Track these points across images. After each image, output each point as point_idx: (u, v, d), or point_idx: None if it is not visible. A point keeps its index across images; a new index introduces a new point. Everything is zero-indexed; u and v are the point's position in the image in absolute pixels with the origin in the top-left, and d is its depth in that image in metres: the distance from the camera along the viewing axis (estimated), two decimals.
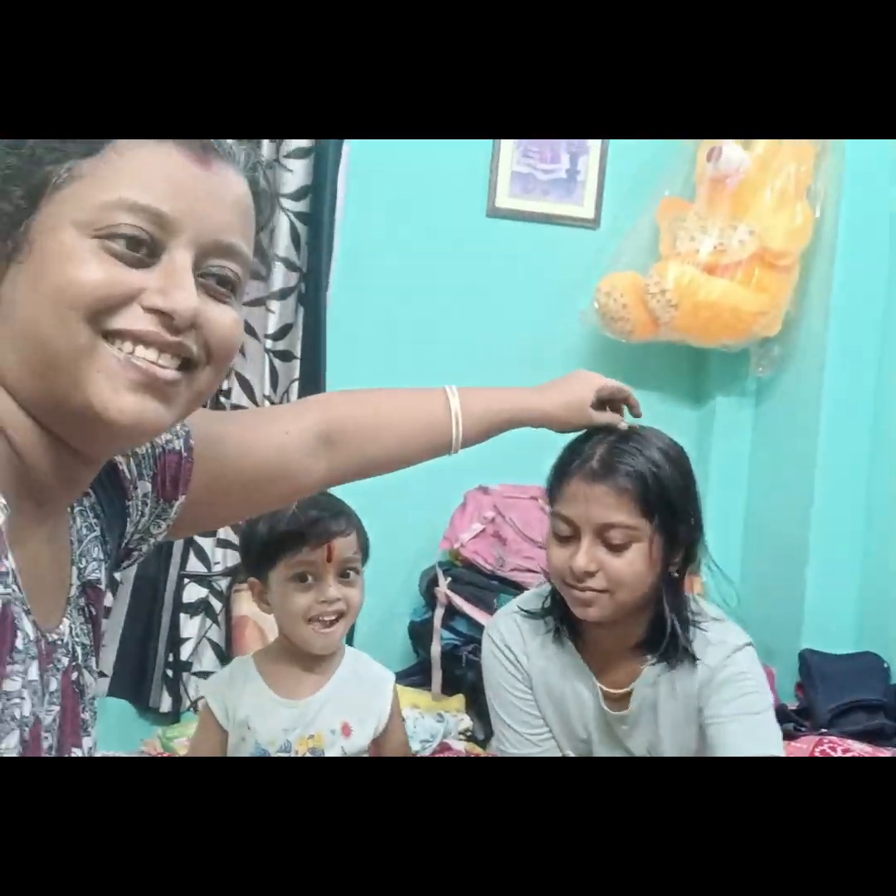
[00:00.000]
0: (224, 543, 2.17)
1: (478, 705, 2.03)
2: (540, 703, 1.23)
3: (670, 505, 1.14)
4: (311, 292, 2.17)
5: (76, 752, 0.66)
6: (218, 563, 2.18)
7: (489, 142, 2.26)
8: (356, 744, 1.20)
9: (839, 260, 2.02)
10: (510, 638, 1.25)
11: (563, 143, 2.29)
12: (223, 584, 2.17)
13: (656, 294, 1.99)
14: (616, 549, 1.12)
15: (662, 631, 1.16)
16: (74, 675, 0.66)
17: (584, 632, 1.22)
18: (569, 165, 2.30)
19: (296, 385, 2.19)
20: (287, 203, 2.14)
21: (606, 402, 1.13)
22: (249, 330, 2.18)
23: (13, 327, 0.60)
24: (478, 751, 1.86)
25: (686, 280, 1.98)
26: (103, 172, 0.59)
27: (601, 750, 1.23)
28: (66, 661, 0.65)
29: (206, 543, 2.16)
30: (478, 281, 2.28)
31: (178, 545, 2.15)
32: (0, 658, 0.54)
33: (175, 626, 2.15)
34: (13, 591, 0.56)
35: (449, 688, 1.98)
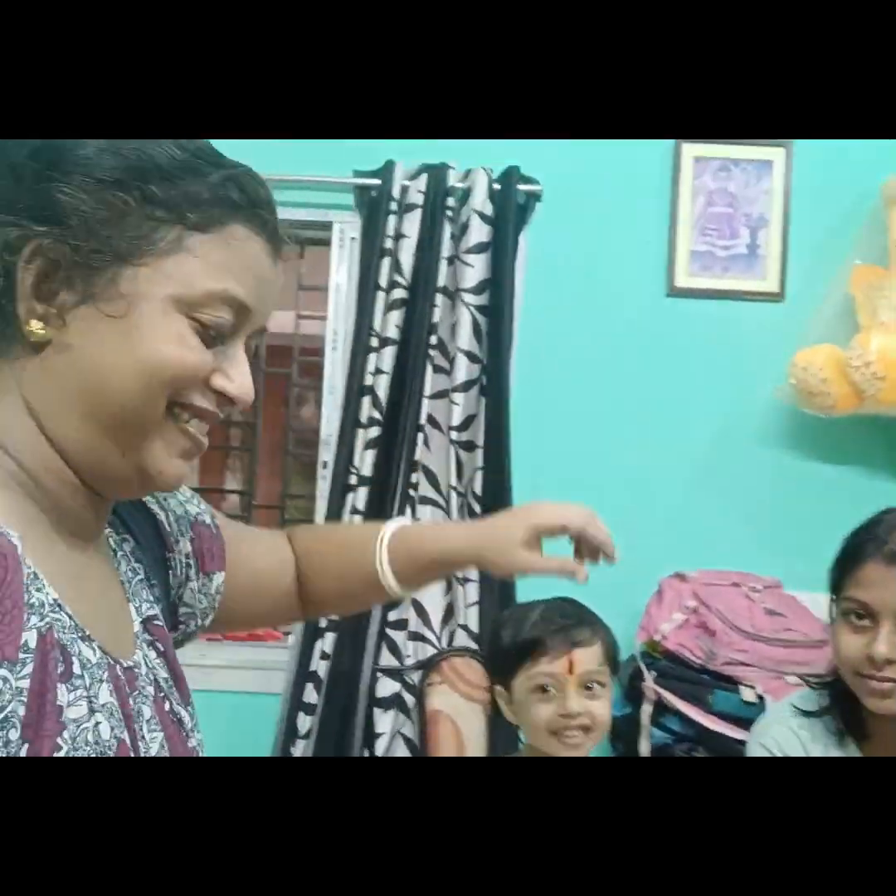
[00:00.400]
0: (415, 636, 2.17)
1: None
2: None
3: None
4: (492, 383, 2.19)
5: None
6: (409, 655, 2.17)
7: (665, 223, 2.25)
8: None
9: None
10: (788, 747, 1.17)
11: (740, 217, 2.26)
12: (416, 677, 2.16)
13: (860, 367, 1.90)
14: None
15: None
16: (167, 705, 0.68)
17: (872, 732, 1.15)
18: (749, 240, 2.26)
19: (479, 474, 2.20)
20: (468, 297, 2.18)
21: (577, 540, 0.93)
22: (433, 422, 2.21)
23: (83, 377, 0.60)
24: None
25: (893, 351, 1.88)
26: (211, 257, 0.62)
27: None
28: (151, 690, 0.66)
29: (398, 637, 2.16)
30: (662, 362, 2.24)
31: (372, 638, 2.16)
32: (49, 684, 0.54)
33: (369, 720, 2.14)
34: (59, 619, 0.58)
35: None
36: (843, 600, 1.15)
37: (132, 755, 0.61)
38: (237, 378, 0.65)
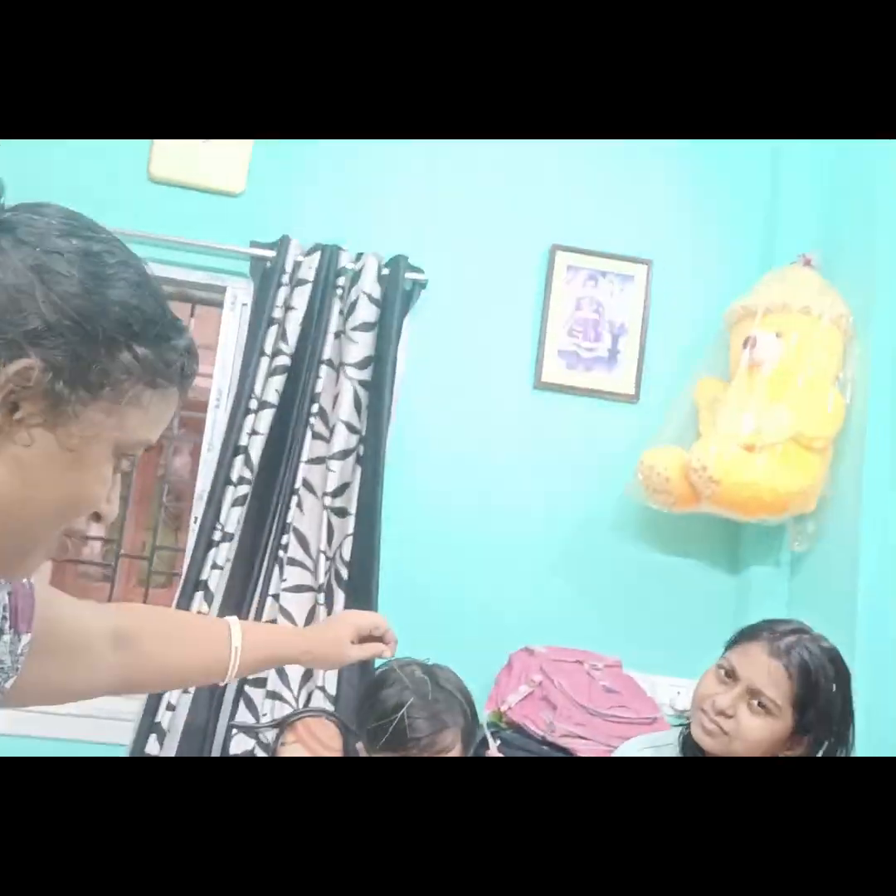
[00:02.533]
0: (273, 695, 2.21)
1: None
2: None
3: (816, 704, 1.33)
4: (369, 454, 2.30)
5: None
6: (265, 714, 2.20)
7: (536, 322, 2.44)
8: None
9: (869, 442, 2.15)
10: None
11: (605, 325, 2.47)
12: (270, 736, 2.19)
13: (698, 469, 2.11)
14: (755, 711, 1.33)
15: None
16: None
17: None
18: (610, 345, 2.47)
19: (349, 540, 2.29)
20: (351, 371, 2.30)
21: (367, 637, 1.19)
22: (308, 486, 2.30)
23: (9, 490, 0.64)
24: None
25: (727, 458, 2.10)
26: (153, 412, 0.69)
27: None
28: None
29: (256, 694, 2.20)
30: (528, 450, 2.41)
31: (229, 694, 2.19)
32: None
33: None
34: None
35: None
36: (724, 657, 1.40)
37: None
38: (114, 502, 0.71)
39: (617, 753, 1.48)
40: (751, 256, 2.51)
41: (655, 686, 2.28)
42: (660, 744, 1.46)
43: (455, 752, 1.20)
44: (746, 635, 1.39)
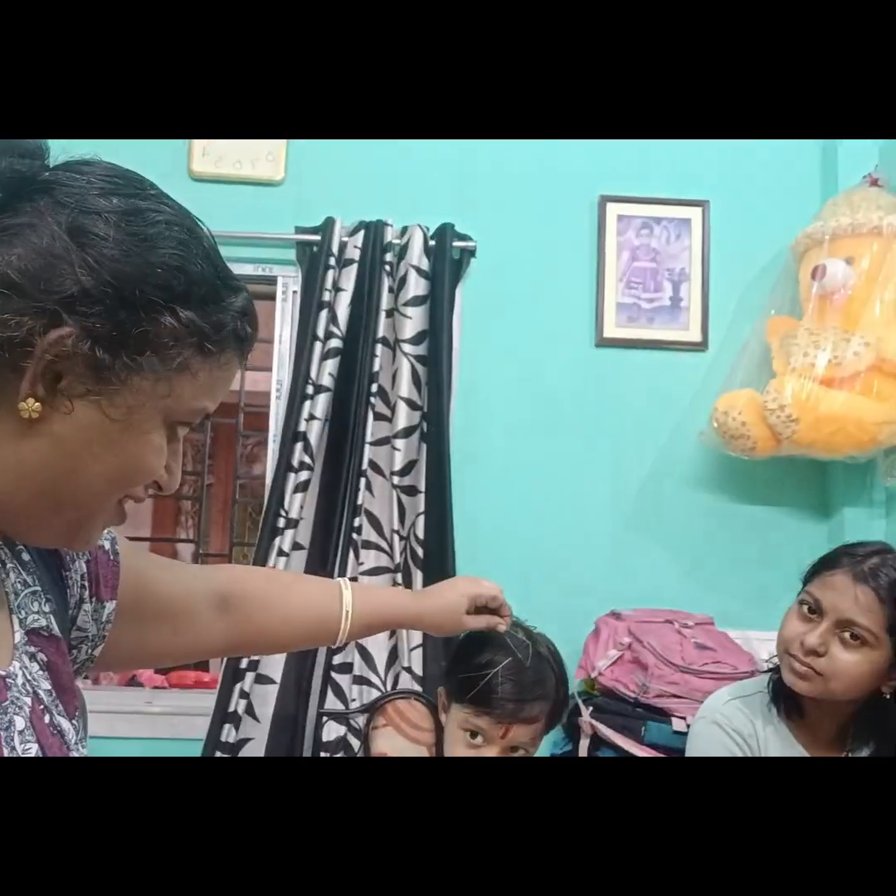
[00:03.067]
0: (360, 680, 2.20)
1: None
2: None
3: None
4: (432, 429, 2.27)
5: None
6: (354, 699, 2.20)
7: (592, 277, 2.37)
8: None
9: None
10: (740, 724, 1.26)
11: (663, 272, 2.39)
12: (360, 721, 2.18)
13: (775, 410, 2.02)
14: (848, 645, 1.22)
15: (869, 730, 1.27)
16: (47, 718, 0.67)
17: (804, 711, 1.30)
18: (672, 293, 2.38)
19: (422, 519, 2.26)
20: (407, 347, 2.27)
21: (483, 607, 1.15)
22: (376, 467, 2.28)
23: (61, 463, 0.63)
24: None
25: (805, 394, 2.00)
26: (203, 379, 0.66)
27: None
28: (28, 701, 0.66)
29: (343, 680, 2.19)
30: (593, 409, 2.34)
31: (316, 682, 2.19)
32: None
33: None
34: None
35: None
36: (804, 592, 1.29)
37: None
38: (175, 473, 0.69)
39: (703, 707, 1.40)
40: (812, 185, 2.38)
41: (750, 641, 2.18)
42: (748, 693, 1.36)
43: (539, 727, 1.16)
44: (825, 565, 1.28)
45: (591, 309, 2.37)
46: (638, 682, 1.92)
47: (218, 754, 2.13)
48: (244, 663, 2.15)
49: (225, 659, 2.15)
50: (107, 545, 0.82)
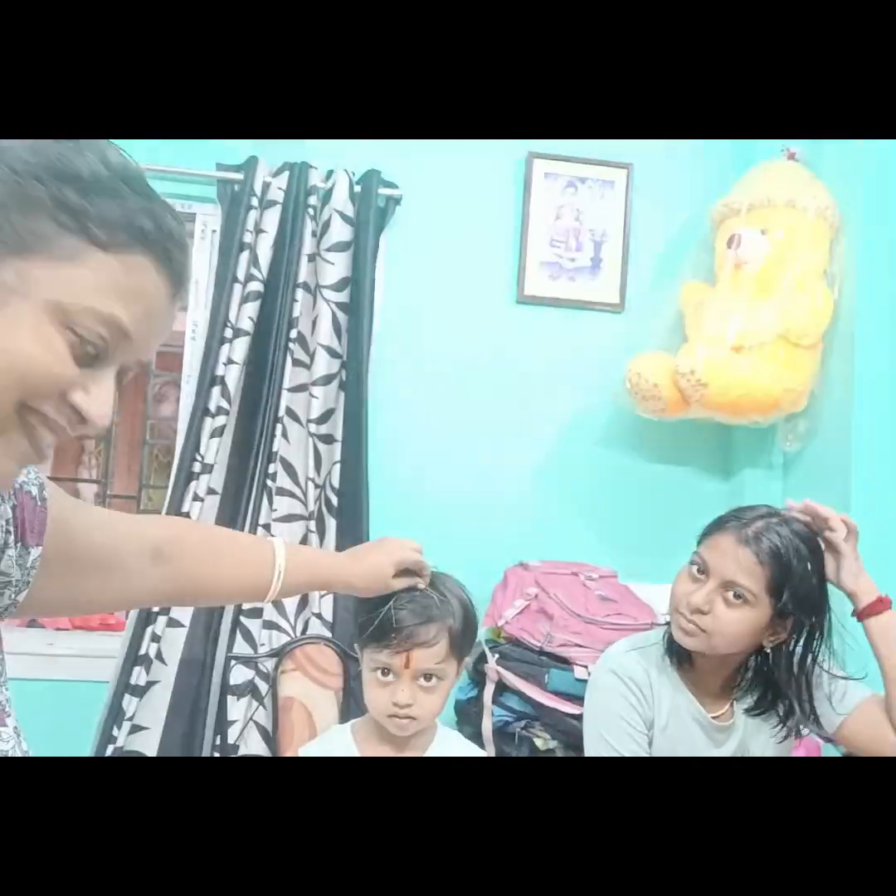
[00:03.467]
0: (270, 624, 2.21)
1: None
2: (655, 738, 1.31)
3: (794, 590, 1.29)
4: (352, 378, 2.26)
5: (2, 732, 0.69)
6: (263, 644, 2.20)
7: (516, 233, 2.38)
8: None
9: (858, 337, 2.12)
10: (636, 674, 1.32)
11: (586, 233, 2.41)
12: (269, 665, 2.20)
13: (686, 374, 2.08)
14: (731, 604, 1.29)
15: (752, 680, 1.37)
16: None
17: (694, 662, 1.38)
18: (593, 253, 2.42)
19: (337, 467, 2.26)
20: (328, 294, 2.24)
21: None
22: (292, 415, 2.26)
23: None
24: None
25: (715, 360, 2.07)
26: (102, 277, 0.60)
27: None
28: None
29: (252, 625, 2.19)
30: (511, 365, 2.37)
31: (225, 627, 2.18)
32: None
33: (222, 708, 2.16)
34: None
35: None
36: (695, 554, 1.36)
37: None
38: (97, 399, 0.63)
39: (603, 657, 1.46)
40: (733, 155, 2.44)
41: (652, 595, 2.28)
42: (645, 644, 1.43)
43: (440, 650, 1.18)
44: (715, 527, 1.34)
45: (513, 265, 2.38)
46: (543, 631, 1.98)
47: (127, 697, 2.11)
48: (156, 607, 2.13)
49: None
50: (34, 491, 0.80)
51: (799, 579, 1.28)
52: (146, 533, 0.94)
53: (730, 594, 1.28)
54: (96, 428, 0.63)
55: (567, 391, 2.38)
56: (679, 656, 1.37)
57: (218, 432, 2.19)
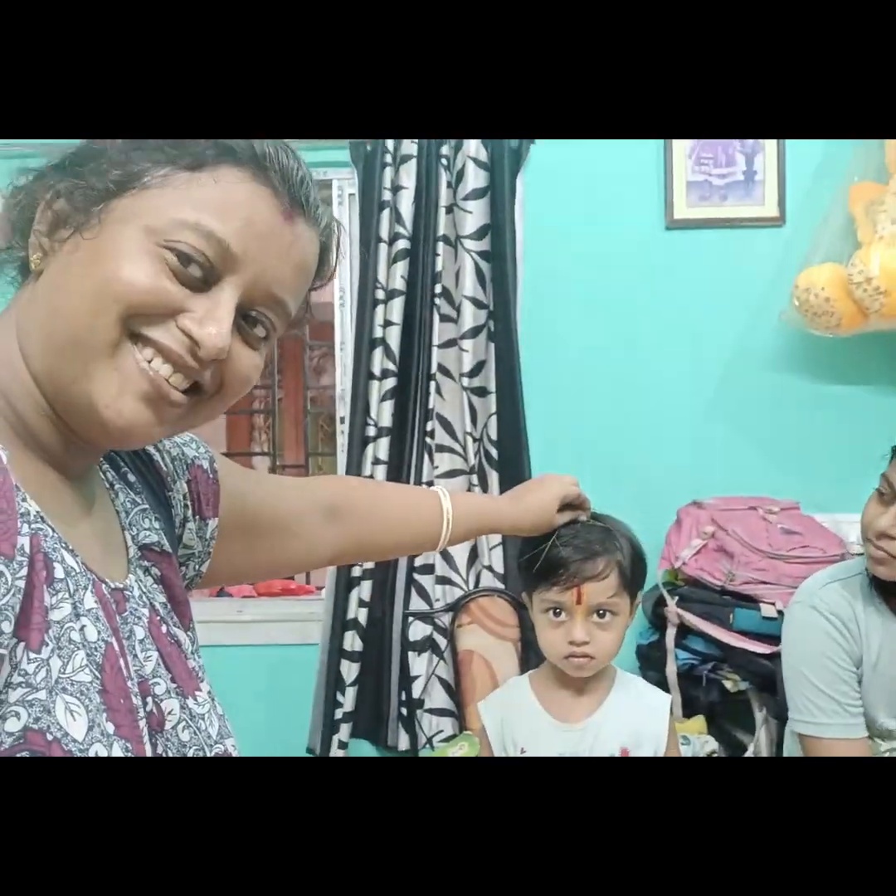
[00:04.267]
0: (443, 580, 2.23)
1: (717, 726, 1.98)
2: (865, 675, 1.22)
3: None
4: (500, 327, 2.22)
5: (198, 696, 0.69)
6: (438, 599, 2.23)
7: (659, 156, 2.25)
8: None
9: None
10: (840, 608, 1.24)
11: (735, 144, 2.25)
12: (446, 619, 2.22)
13: (862, 283, 1.91)
14: None
15: None
16: (164, 628, 0.69)
17: None
18: (745, 167, 2.25)
19: (494, 419, 2.24)
20: (469, 244, 2.20)
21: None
22: (444, 371, 2.25)
23: (52, 299, 0.61)
24: None
25: (894, 264, 1.89)
26: (193, 192, 0.61)
27: None
28: (146, 612, 0.67)
29: (426, 581, 2.22)
30: (667, 295, 2.26)
31: (400, 585, 2.22)
32: (37, 584, 0.55)
33: (404, 664, 2.21)
34: (42, 528, 0.58)
35: (687, 709, 1.94)
36: (882, 478, 1.25)
37: (121, 662, 0.61)
38: (208, 323, 0.61)
39: (800, 591, 1.37)
40: None
41: (840, 524, 2.13)
42: (847, 575, 1.33)
43: (611, 584, 1.14)
44: None
45: (659, 189, 2.26)
46: (724, 569, 1.89)
47: (344, 662, 2.17)
48: (357, 571, 2.18)
49: (336, 568, 2.18)
50: (205, 465, 0.82)
51: None
52: (317, 493, 0.95)
53: None
54: (210, 352, 0.61)
55: (730, 316, 2.24)
56: (884, 587, 1.26)
57: (388, 395, 2.20)
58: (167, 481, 0.78)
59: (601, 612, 1.15)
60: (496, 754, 1.22)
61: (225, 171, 0.62)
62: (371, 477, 2.19)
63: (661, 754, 1.19)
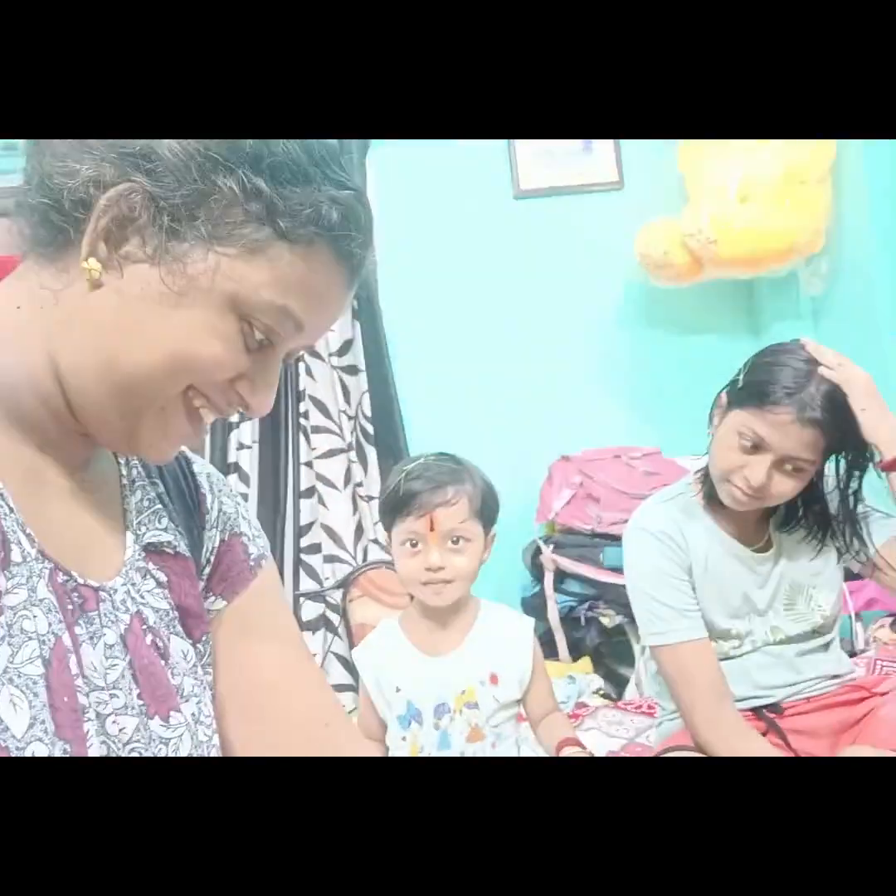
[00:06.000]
0: (331, 559, 2.26)
1: (604, 665, 2.08)
2: (697, 581, 1.30)
3: (843, 440, 1.24)
4: (363, 304, 2.27)
5: (171, 718, 0.63)
6: (327, 578, 2.26)
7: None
8: (506, 693, 1.24)
9: (866, 162, 2.04)
10: (666, 526, 1.31)
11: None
12: (337, 596, 2.25)
13: (694, 233, 2.04)
14: (789, 474, 1.23)
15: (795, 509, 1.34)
16: (148, 638, 0.64)
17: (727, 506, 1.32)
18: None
19: (367, 396, 2.28)
20: None
21: None
22: (313, 352, 2.28)
23: (119, 334, 0.58)
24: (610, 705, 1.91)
25: (720, 213, 2.02)
26: (288, 272, 0.58)
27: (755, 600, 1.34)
28: (126, 617, 0.63)
29: (314, 561, 2.25)
30: (518, 261, 2.35)
31: (288, 567, 2.24)
32: None
33: None
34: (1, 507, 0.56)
35: (574, 652, 2.03)
36: (743, 426, 1.24)
37: (72, 659, 0.58)
38: (261, 391, 0.62)
39: (632, 516, 1.41)
40: None
41: (698, 465, 2.26)
42: (671, 496, 1.39)
43: (461, 510, 1.20)
44: (769, 397, 1.21)
45: (506, 160, 2.35)
46: (592, 514, 1.99)
47: None
48: None
49: None
50: (251, 549, 0.75)
51: (848, 430, 1.21)
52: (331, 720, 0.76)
53: (788, 467, 1.23)
54: (257, 415, 0.63)
55: (579, 277, 2.35)
56: (711, 502, 1.35)
57: None
58: (204, 520, 0.73)
59: (455, 539, 1.20)
60: (373, 700, 1.26)
61: (317, 252, 0.59)
62: (236, 463, 2.21)
63: (526, 683, 1.26)
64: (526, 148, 2.34)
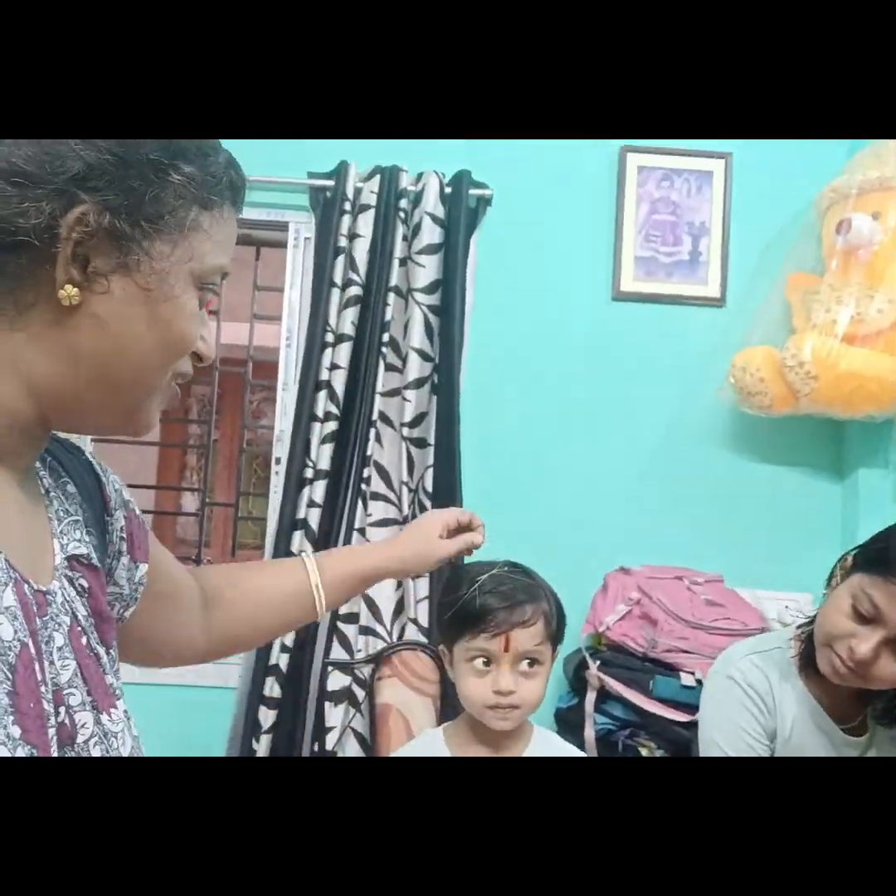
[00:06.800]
0: (366, 630, 2.19)
1: None
2: (778, 750, 1.21)
3: None
4: (444, 381, 2.23)
5: (113, 714, 0.68)
6: (360, 650, 2.19)
7: (610, 230, 2.32)
8: None
9: None
10: (757, 681, 1.24)
11: (683, 227, 2.34)
12: (366, 671, 2.18)
13: (794, 367, 1.98)
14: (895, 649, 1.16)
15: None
16: (84, 640, 0.67)
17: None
18: (691, 247, 2.34)
19: (430, 472, 2.24)
20: (420, 296, 2.23)
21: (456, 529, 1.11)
22: (385, 419, 2.25)
23: (109, 343, 0.63)
24: None
25: (825, 351, 1.96)
26: (216, 234, 0.67)
27: None
28: (67, 620, 0.66)
29: (349, 631, 2.18)
30: (608, 364, 2.31)
31: (323, 633, 2.18)
32: None
33: (320, 714, 2.15)
34: None
35: None
36: (860, 589, 1.17)
37: (36, 666, 0.60)
38: (209, 341, 0.71)
39: (719, 661, 1.37)
40: (838, 140, 2.32)
41: (761, 601, 2.17)
42: (766, 648, 1.32)
43: (538, 631, 1.13)
44: (890, 567, 1.15)
45: (608, 262, 2.32)
46: (646, 636, 1.91)
47: (262, 708, 2.12)
48: None
49: None
50: (137, 512, 0.83)
51: None
52: (194, 578, 0.94)
53: None
54: (209, 361, 0.71)
55: (667, 390, 2.30)
56: (805, 665, 1.27)
57: (329, 438, 2.18)
58: (109, 506, 0.79)
59: (528, 660, 1.14)
60: None
61: (224, 209, 0.68)
62: (305, 520, 2.16)
63: None
64: (629, 252, 2.32)
